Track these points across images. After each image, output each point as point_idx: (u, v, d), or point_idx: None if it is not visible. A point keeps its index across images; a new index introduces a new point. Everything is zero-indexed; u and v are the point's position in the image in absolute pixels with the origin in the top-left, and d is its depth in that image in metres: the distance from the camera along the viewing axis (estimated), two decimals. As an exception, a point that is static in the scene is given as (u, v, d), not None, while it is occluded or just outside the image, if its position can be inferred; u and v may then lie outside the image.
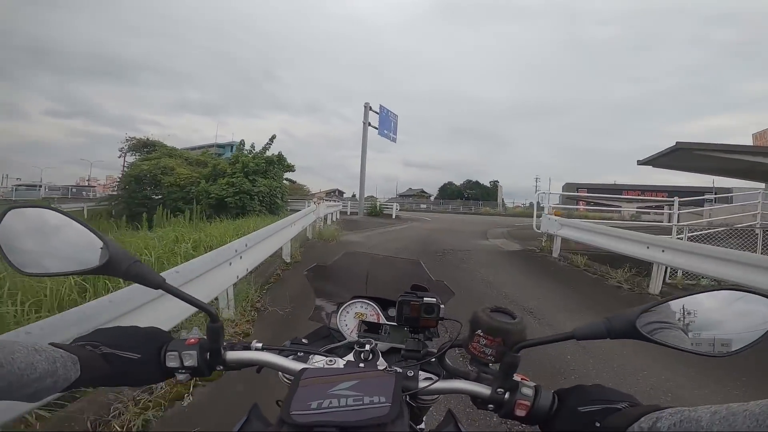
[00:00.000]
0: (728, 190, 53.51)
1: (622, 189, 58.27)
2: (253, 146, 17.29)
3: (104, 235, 0.55)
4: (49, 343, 0.49)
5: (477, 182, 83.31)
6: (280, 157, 16.79)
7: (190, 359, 0.58)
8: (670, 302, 0.51)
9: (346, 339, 0.76)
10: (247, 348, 0.64)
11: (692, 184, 59.82)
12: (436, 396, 0.63)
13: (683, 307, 0.51)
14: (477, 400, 0.58)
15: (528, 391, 0.55)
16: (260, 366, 0.64)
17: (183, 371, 0.58)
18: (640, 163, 11.25)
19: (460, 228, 15.63)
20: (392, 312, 0.74)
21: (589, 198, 55.10)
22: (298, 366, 0.61)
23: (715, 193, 53.40)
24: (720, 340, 0.50)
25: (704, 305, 0.51)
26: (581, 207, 49.36)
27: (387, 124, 21.71)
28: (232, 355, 0.62)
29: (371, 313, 0.77)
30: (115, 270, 0.54)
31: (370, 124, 19.44)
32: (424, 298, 0.66)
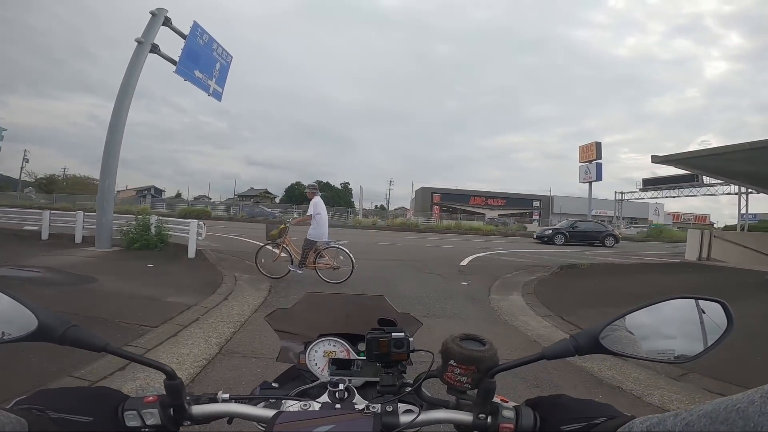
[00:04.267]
0: (548, 198, 60.90)
1: (470, 195, 61.17)
2: None
3: (30, 302, 0.51)
4: None
5: (328, 183, 77.52)
6: None
7: (152, 417, 0.53)
8: (631, 314, 0.54)
9: (317, 379, 0.74)
10: (214, 400, 0.60)
11: (523, 191, 68.57)
12: (418, 429, 0.60)
13: (643, 318, 0.53)
14: (461, 427, 0.58)
15: (509, 414, 0.55)
16: (231, 417, 0.59)
17: (146, 430, 0.54)
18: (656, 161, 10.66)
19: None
20: (362, 346, 0.73)
21: (457, 207, 55.43)
22: (270, 413, 0.57)
23: (540, 201, 60.46)
24: (680, 347, 0.52)
25: (662, 314, 0.53)
26: (436, 214, 48.52)
27: (204, 59, 11.68)
28: (198, 409, 0.57)
29: (341, 349, 0.75)
30: (47, 336, 0.51)
31: (158, 50, 9.27)
32: (392, 334, 0.65)
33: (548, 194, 61.97)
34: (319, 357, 0.76)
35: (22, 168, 57.36)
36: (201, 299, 4.73)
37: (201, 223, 7.80)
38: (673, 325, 0.53)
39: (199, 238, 7.71)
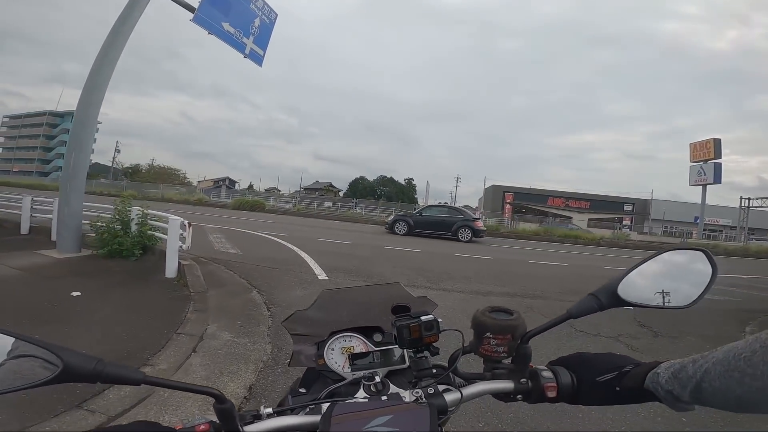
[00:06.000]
0: (644, 201, 52.72)
1: (548, 195, 54.68)
2: None
3: (51, 343, 0.47)
4: None
5: (391, 179, 75.18)
6: None
7: None
8: (638, 267, 0.59)
9: (340, 377, 0.71)
10: (258, 417, 0.57)
11: (607, 193, 60.09)
12: (458, 406, 0.61)
13: (648, 270, 0.59)
14: (501, 395, 0.59)
15: (549, 374, 0.57)
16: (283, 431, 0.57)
17: None
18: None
19: None
20: (377, 337, 0.75)
21: (534, 207, 49.77)
22: (316, 418, 0.55)
23: (634, 205, 52.44)
24: (681, 294, 0.58)
25: (662, 266, 0.59)
26: (507, 215, 43.42)
27: (236, 10, 9.03)
28: (251, 428, 0.54)
29: (357, 344, 0.74)
30: (76, 375, 0.46)
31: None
32: (422, 317, 0.65)
33: (644, 197, 53.31)
34: (337, 354, 0.73)
35: (114, 158, 62.90)
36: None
37: (185, 222, 4.88)
38: (670, 275, 0.59)
39: (182, 246, 4.81)
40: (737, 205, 42.29)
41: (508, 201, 49.53)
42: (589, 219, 36.77)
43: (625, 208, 51.65)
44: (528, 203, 48.10)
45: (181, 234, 4.75)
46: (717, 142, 36.19)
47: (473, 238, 14.17)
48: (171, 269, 4.71)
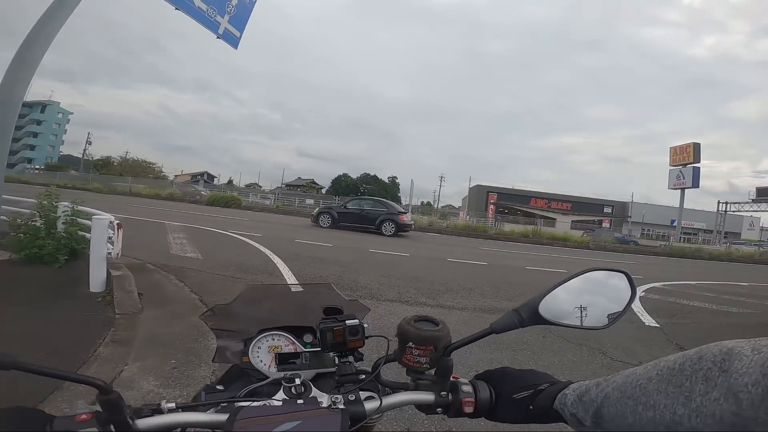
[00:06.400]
0: (623, 204, 53.50)
1: (531, 196, 54.63)
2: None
3: None
4: None
5: (375, 176, 74.21)
6: None
7: None
8: (560, 286, 0.58)
9: (265, 376, 0.68)
10: (158, 411, 0.54)
11: (585, 195, 60.65)
12: (381, 414, 0.59)
13: (570, 289, 0.58)
14: (423, 407, 0.59)
15: (468, 389, 0.57)
16: (182, 428, 0.54)
17: None
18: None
19: None
20: (308, 338, 0.72)
21: (517, 208, 49.38)
22: (225, 417, 0.51)
23: (613, 207, 53.09)
24: (600, 315, 0.58)
25: (582, 285, 0.59)
26: (490, 215, 43.12)
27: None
28: (144, 423, 0.51)
29: (286, 343, 0.70)
30: None
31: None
32: (347, 321, 0.64)
33: (622, 200, 54.01)
34: (263, 353, 0.69)
35: (85, 150, 59.98)
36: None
37: (114, 221, 3.82)
38: (591, 294, 0.59)
39: (110, 251, 3.76)
40: (710, 209, 43.17)
41: (491, 201, 49.31)
42: (572, 221, 36.68)
43: (605, 210, 52.21)
44: (511, 204, 47.91)
45: (110, 236, 3.68)
46: (696, 147, 36.69)
47: (398, 233, 13.63)
48: (97, 281, 3.64)
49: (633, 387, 0.37)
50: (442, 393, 0.57)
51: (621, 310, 0.58)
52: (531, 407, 0.53)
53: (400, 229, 13.73)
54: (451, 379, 0.59)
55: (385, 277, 5.72)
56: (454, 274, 6.79)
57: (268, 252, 6.79)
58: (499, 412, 0.56)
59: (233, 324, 0.76)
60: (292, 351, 0.70)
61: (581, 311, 0.58)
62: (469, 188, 56.23)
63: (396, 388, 0.62)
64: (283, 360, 0.69)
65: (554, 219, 35.97)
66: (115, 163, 58.44)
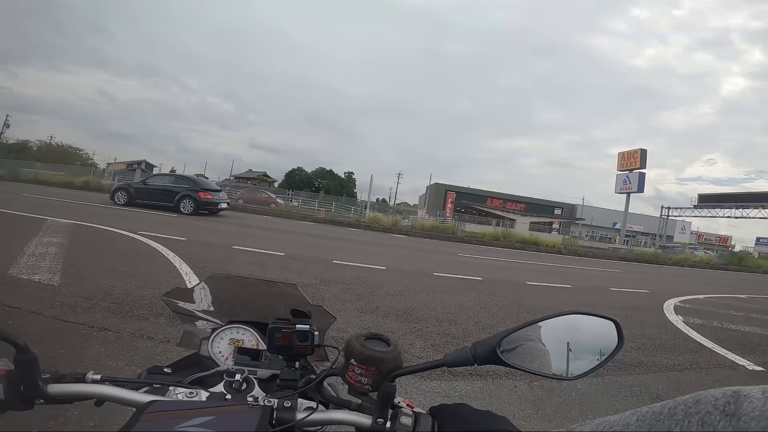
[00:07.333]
0: (572, 206, 55.33)
1: (487, 196, 54.68)
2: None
3: None
4: None
5: (331, 171, 71.45)
6: None
7: None
8: (528, 327, 0.52)
9: (217, 366, 0.67)
10: (82, 380, 0.54)
11: (546, 197, 62.08)
12: (320, 427, 0.57)
13: (539, 332, 0.52)
14: (360, 430, 0.56)
15: (407, 420, 0.53)
16: (99, 400, 0.54)
17: None
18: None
19: None
20: None
21: (475, 207, 48.80)
22: (148, 399, 0.51)
23: (563, 209, 54.71)
24: (571, 363, 0.51)
25: (558, 329, 0.52)
26: (449, 211, 42.46)
27: None
28: (56, 387, 0.52)
29: (249, 339, 0.68)
30: None
31: None
32: (297, 325, 0.61)
33: (573, 202, 55.87)
34: (224, 345, 0.68)
35: (1, 133, 51.86)
36: None
37: None
38: (567, 340, 0.52)
39: None
40: (640, 212, 45.27)
41: (450, 200, 48.69)
42: (531, 222, 36.60)
43: (555, 212, 53.55)
44: (469, 203, 47.53)
45: None
46: (643, 153, 38.06)
47: (198, 211, 12.27)
48: None
49: None
50: (379, 420, 0.53)
51: (600, 360, 0.51)
52: None
53: (201, 207, 12.28)
54: (403, 404, 0.56)
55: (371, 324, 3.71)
56: (458, 299, 4.95)
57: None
58: None
59: (199, 312, 0.75)
60: (254, 347, 0.67)
61: (550, 357, 0.52)
62: (428, 186, 55.25)
63: (337, 404, 0.58)
64: (243, 355, 0.66)
65: (514, 220, 35.62)
66: (34, 148, 51.05)
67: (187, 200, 12.12)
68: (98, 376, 0.54)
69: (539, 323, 0.52)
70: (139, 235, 6.55)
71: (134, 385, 0.55)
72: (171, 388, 0.55)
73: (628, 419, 0.32)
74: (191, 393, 0.54)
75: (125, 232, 6.67)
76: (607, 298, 6.73)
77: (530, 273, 8.71)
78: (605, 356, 0.51)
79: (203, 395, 0.54)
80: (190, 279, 4.23)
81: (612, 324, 0.52)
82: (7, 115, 51.25)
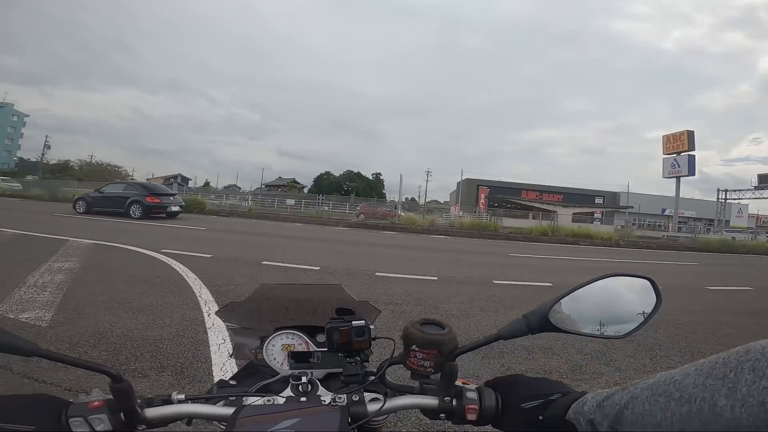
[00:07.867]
0: (613, 194, 52.05)
1: (521, 188, 52.43)
2: None
3: None
4: None
5: (359, 174, 71.24)
6: None
7: (101, 424, 0.49)
8: (574, 292, 0.54)
9: (278, 373, 0.68)
10: (168, 401, 0.55)
11: (583, 186, 58.70)
12: (386, 416, 0.60)
13: (584, 296, 0.54)
14: (427, 411, 0.58)
15: (472, 395, 0.55)
16: (188, 418, 0.55)
17: None
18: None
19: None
20: (321, 338, 0.71)
21: (510, 200, 46.82)
22: (231, 411, 0.53)
23: (604, 197, 51.55)
24: (618, 323, 0.53)
25: (600, 292, 0.54)
26: (482, 207, 40.78)
27: None
28: (152, 411, 0.53)
29: (299, 342, 0.71)
30: None
31: None
32: (353, 322, 0.63)
33: (614, 190, 52.50)
34: (277, 351, 0.69)
35: (43, 154, 54.99)
36: None
37: None
38: (610, 302, 0.54)
39: None
40: (690, 197, 41.62)
41: (483, 195, 47.05)
42: (573, 213, 34.50)
43: (596, 201, 50.55)
44: (504, 196, 45.62)
45: None
46: (690, 135, 35.23)
47: (149, 216, 12.32)
48: None
49: (666, 384, 0.35)
50: (446, 398, 0.56)
51: (644, 318, 0.53)
52: (541, 417, 0.50)
53: (149, 211, 12.41)
54: (459, 384, 0.57)
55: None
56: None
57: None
58: (506, 421, 0.53)
59: (248, 321, 0.77)
60: (305, 350, 0.69)
61: (597, 319, 0.54)
62: (459, 182, 53.70)
63: (400, 390, 0.60)
64: (295, 358, 0.68)
65: (554, 212, 33.63)
66: (75, 167, 53.58)
67: (136, 205, 12.54)
68: (182, 396, 0.55)
69: (581, 288, 0.53)
70: (161, 254, 5.96)
71: (213, 401, 0.56)
72: (245, 398, 0.56)
73: (687, 370, 0.35)
74: (268, 400, 0.55)
75: (148, 252, 6.11)
76: (717, 301, 5.49)
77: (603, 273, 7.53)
78: (647, 314, 0.53)
79: (279, 400, 0.56)
80: (209, 308, 3.49)
81: (648, 283, 0.55)
82: (47, 136, 54.10)
